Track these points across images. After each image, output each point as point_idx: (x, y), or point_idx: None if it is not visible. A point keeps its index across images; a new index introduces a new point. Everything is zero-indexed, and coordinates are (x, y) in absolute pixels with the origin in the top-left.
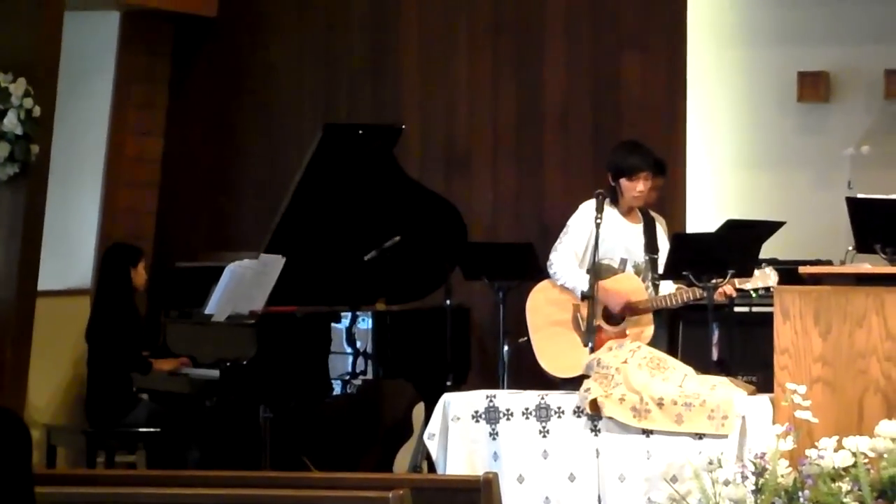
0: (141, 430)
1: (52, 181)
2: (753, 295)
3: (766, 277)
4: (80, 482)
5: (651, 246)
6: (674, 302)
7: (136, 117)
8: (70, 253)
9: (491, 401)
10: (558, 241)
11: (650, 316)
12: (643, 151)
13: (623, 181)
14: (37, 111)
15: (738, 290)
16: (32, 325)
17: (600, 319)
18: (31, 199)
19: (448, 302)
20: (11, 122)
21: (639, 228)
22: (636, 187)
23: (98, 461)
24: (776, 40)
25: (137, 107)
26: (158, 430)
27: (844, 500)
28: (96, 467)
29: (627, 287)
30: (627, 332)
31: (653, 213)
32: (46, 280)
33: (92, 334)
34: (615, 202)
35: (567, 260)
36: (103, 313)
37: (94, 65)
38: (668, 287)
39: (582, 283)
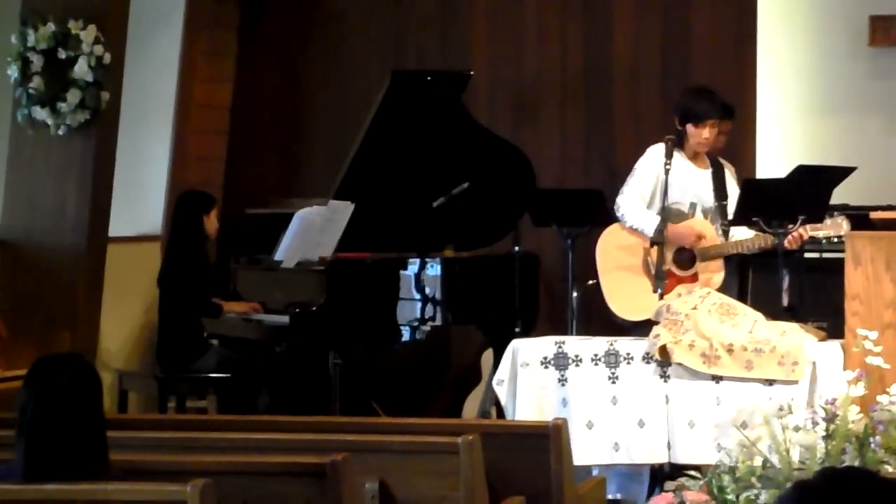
0: (211, 375)
1: (122, 128)
2: (824, 241)
3: (837, 226)
4: (151, 427)
5: (720, 192)
6: (747, 248)
7: (206, 64)
8: (140, 199)
9: (560, 347)
10: (625, 183)
11: (720, 262)
12: (712, 97)
13: (689, 126)
14: (107, 58)
15: (810, 237)
16: (104, 271)
17: (671, 264)
18: (102, 145)
19: (517, 248)
20: (82, 69)
21: (707, 174)
22: (702, 134)
23: (169, 406)
24: None
25: (206, 54)
26: (229, 375)
27: None
28: (167, 412)
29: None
30: (699, 276)
31: (721, 160)
32: (117, 226)
33: (164, 280)
34: (681, 147)
35: (634, 201)
36: (175, 259)
37: (164, 11)
38: (739, 233)
39: (651, 224)
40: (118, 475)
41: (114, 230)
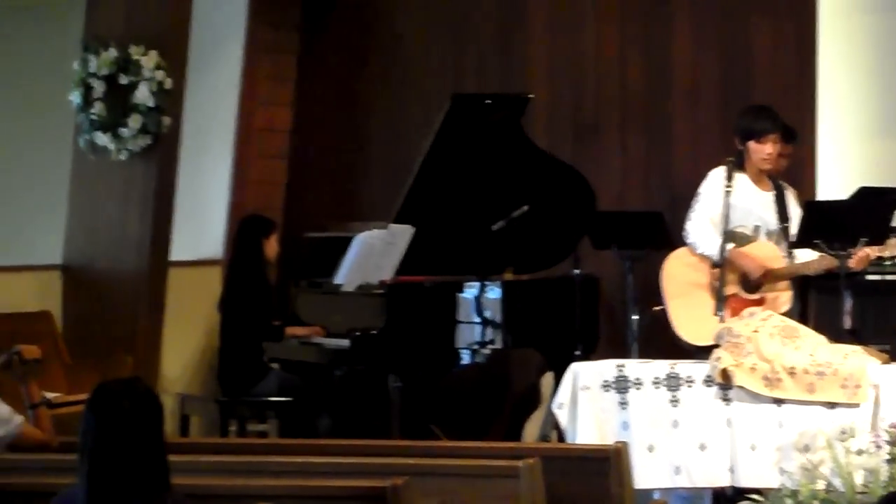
0: (272, 399)
1: (182, 152)
2: (888, 263)
3: None
4: (212, 451)
5: (782, 214)
6: (814, 269)
7: (266, 89)
8: (201, 223)
9: (620, 370)
10: (691, 209)
11: (787, 283)
12: (772, 114)
13: (751, 144)
14: (168, 83)
15: (877, 257)
16: (165, 295)
17: (737, 287)
18: (163, 170)
19: (577, 271)
20: (143, 95)
21: (770, 196)
22: (765, 150)
23: (230, 430)
24: None
25: (267, 78)
26: (290, 399)
27: None
28: (228, 436)
29: (765, 254)
30: (766, 297)
31: (782, 183)
32: (178, 250)
33: (225, 304)
34: (743, 168)
35: (703, 228)
36: (236, 284)
37: (224, 37)
38: (802, 255)
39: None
40: (180, 499)
41: (175, 254)
